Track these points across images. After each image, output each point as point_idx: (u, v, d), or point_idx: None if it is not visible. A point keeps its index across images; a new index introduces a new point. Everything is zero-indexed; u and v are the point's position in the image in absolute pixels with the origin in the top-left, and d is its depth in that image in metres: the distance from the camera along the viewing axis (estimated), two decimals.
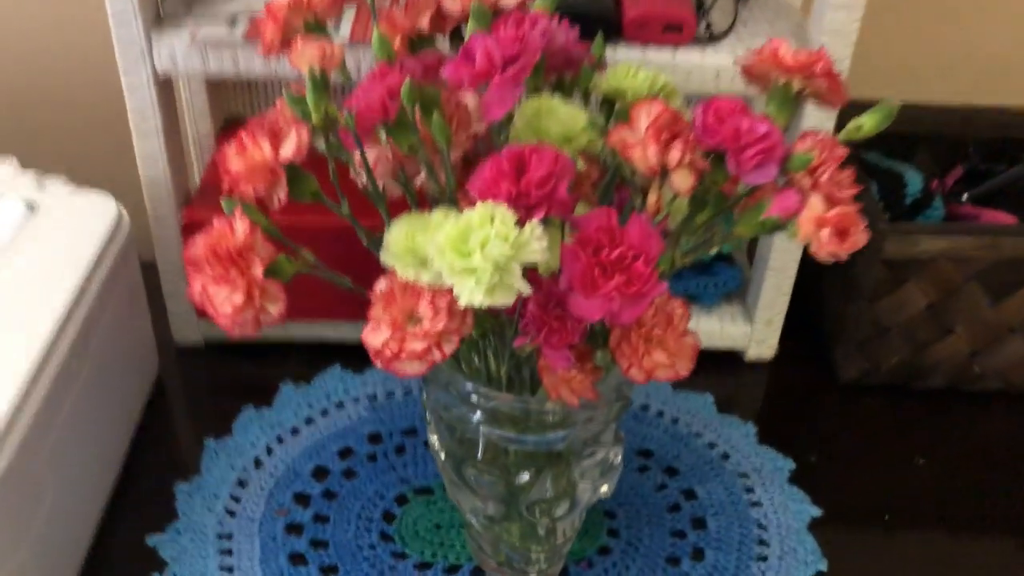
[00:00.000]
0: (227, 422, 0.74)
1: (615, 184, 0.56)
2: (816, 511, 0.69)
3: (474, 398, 0.54)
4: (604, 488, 0.59)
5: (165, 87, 0.68)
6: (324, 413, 0.75)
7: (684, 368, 0.51)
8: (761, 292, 0.79)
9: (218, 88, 0.82)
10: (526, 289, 0.44)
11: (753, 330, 0.81)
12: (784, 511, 0.69)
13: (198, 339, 0.80)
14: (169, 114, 0.70)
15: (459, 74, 0.48)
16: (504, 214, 0.44)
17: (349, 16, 0.69)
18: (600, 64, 0.60)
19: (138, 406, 0.74)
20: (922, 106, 0.90)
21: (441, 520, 0.67)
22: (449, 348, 0.47)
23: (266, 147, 0.48)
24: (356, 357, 0.78)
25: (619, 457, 0.59)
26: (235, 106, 0.85)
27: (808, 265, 0.83)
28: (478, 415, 0.54)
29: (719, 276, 0.81)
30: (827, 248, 0.44)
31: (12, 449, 0.52)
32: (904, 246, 0.71)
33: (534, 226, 0.44)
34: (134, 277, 0.71)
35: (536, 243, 0.44)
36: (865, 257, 0.73)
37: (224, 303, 0.45)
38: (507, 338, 0.51)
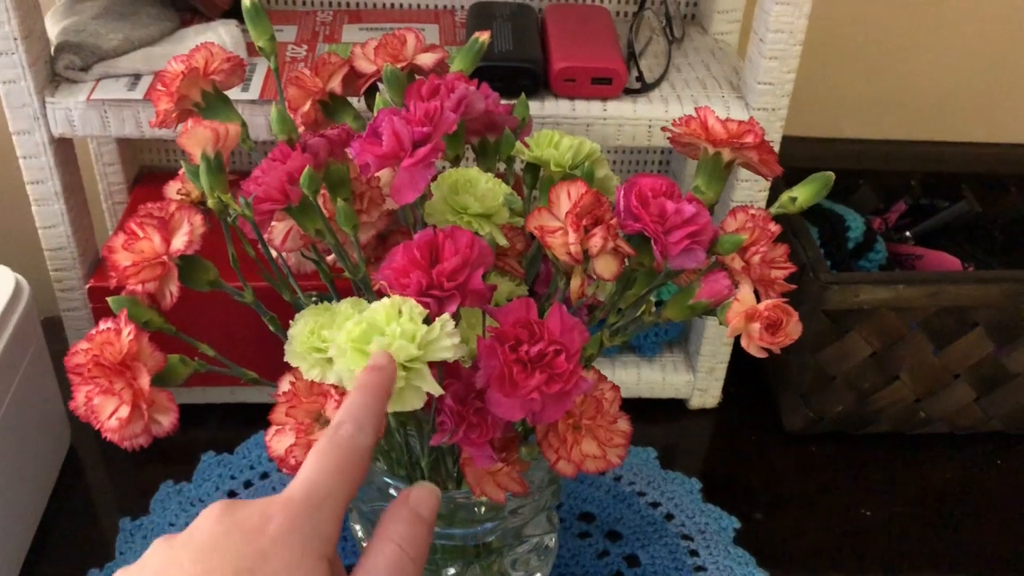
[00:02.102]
0: (145, 496, 0.70)
1: (541, 255, 0.53)
2: (762, 574, 0.67)
3: (393, 492, 0.50)
4: (538, 575, 0.56)
5: (63, 148, 0.64)
6: (247, 485, 0.71)
7: (616, 457, 0.48)
8: (703, 341, 0.76)
9: (128, 140, 0.78)
10: (437, 391, 0.41)
11: (696, 379, 0.78)
12: (729, 575, 0.67)
13: None
14: (70, 176, 0.65)
15: (366, 156, 0.45)
16: (412, 308, 0.41)
17: (261, 71, 0.65)
18: (524, 126, 0.57)
19: (48, 483, 0.69)
20: (864, 141, 0.89)
21: None
22: None
23: (156, 239, 0.44)
24: None
25: (554, 541, 0.56)
26: (149, 156, 0.81)
27: None
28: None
29: (660, 325, 0.78)
30: (758, 342, 0.41)
31: None
32: (846, 297, 0.69)
33: (445, 321, 0.41)
34: (38, 348, 0.67)
35: (447, 339, 0.41)
36: (807, 308, 0.71)
37: (110, 417, 0.41)
38: (424, 433, 0.47)
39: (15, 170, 0.64)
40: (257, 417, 0.74)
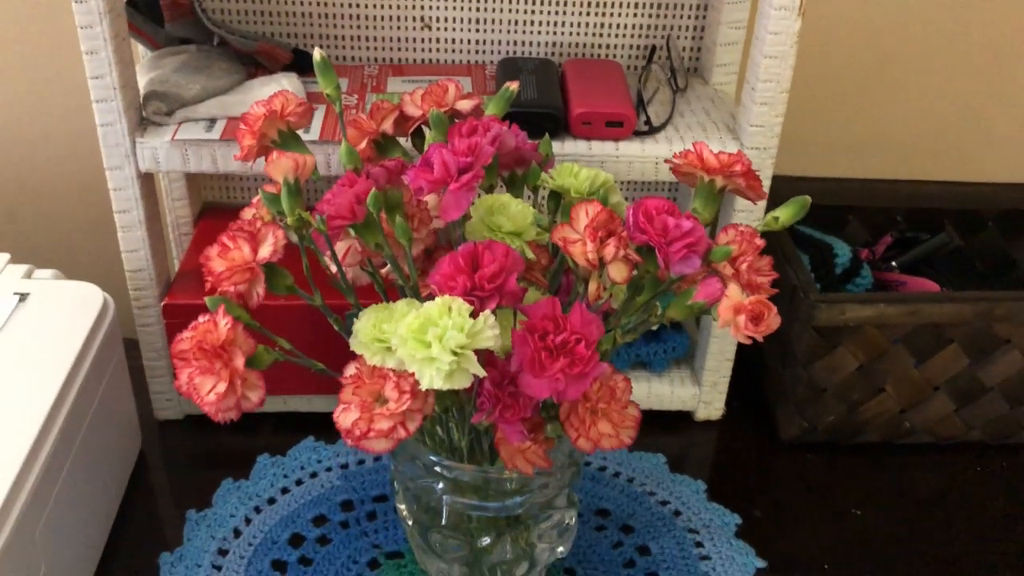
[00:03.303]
0: (207, 494, 0.78)
1: (563, 269, 0.62)
2: (760, 563, 0.74)
3: (438, 469, 0.59)
4: (561, 548, 0.64)
5: (147, 182, 0.74)
6: (299, 483, 0.80)
7: (627, 437, 0.56)
8: (707, 358, 0.85)
9: (195, 177, 0.88)
10: (481, 373, 0.49)
11: (701, 392, 0.87)
12: (731, 564, 0.74)
13: (178, 414, 0.85)
14: (151, 207, 0.75)
15: (419, 181, 0.54)
16: (460, 306, 0.50)
17: (319, 116, 0.75)
18: (548, 161, 0.66)
19: (123, 480, 0.78)
20: (852, 180, 0.98)
21: None
22: (413, 426, 0.52)
23: (246, 249, 0.53)
24: (328, 428, 0.82)
25: (574, 519, 0.64)
26: (211, 193, 0.91)
27: None
28: (441, 485, 0.59)
29: (668, 343, 0.87)
30: (744, 332, 0.50)
31: (11, 526, 0.56)
32: (833, 315, 0.78)
33: (487, 316, 0.50)
34: (119, 360, 0.76)
35: (489, 331, 0.50)
36: (799, 325, 0.80)
37: (209, 392, 0.50)
38: (466, 414, 0.56)
39: (103, 201, 0.74)
40: (306, 425, 0.84)
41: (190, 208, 0.88)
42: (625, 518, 0.78)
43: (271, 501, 0.78)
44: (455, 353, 0.48)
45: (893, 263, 0.93)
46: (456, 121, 0.65)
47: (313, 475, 0.80)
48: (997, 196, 0.98)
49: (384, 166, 0.57)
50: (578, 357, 0.50)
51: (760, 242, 0.55)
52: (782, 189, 0.88)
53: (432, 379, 0.48)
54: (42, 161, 0.96)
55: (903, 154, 1.00)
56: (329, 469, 0.81)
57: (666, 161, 0.59)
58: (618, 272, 0.53)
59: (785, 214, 0.56)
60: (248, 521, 0.76)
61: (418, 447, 0.60)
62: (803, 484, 0.83)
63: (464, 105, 0.65)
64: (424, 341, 0.49)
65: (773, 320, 0.50)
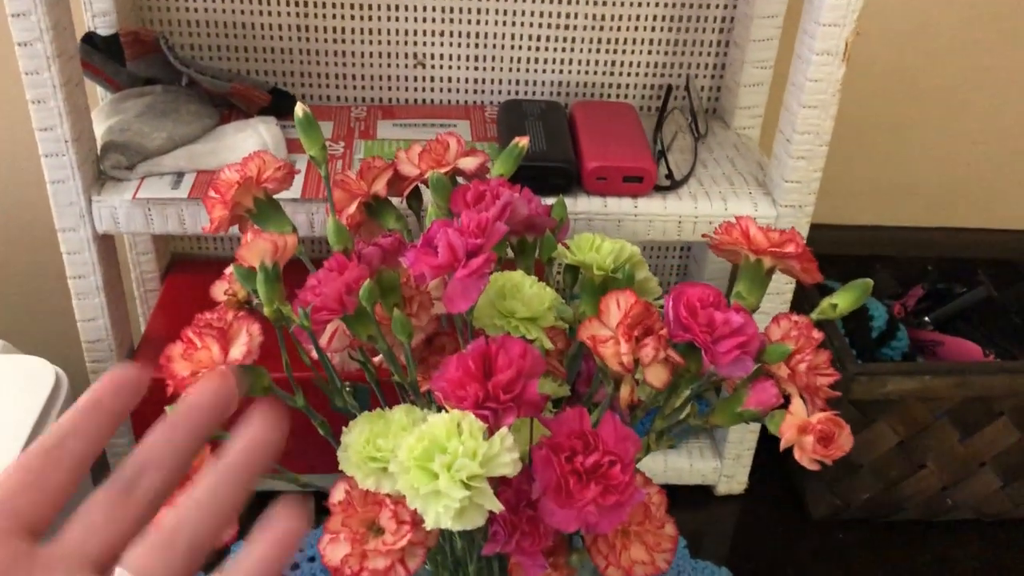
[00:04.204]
0: None
1: (582, 353, 0.54)
2: None
3: None
4: None
5: (105, 244, 0.65)
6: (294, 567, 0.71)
7: (664, 563, 0.48)
8: (729, 428, 0.77)
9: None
10: (498, 508, 0.41)
11: (722, 466, 0.79)
12: None
13: None
14: (110, 271, 0.66)
15: (421, 266, 0.46)
16: (472, 424, 0.41)
17: (302, 166, 0.66)
18: (562, 225, 0.58)
19: None
20: (881, 228, 0.90)
21: None
22: (414, 564, 0.44)
23: (215, 348, 0.45)
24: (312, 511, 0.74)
25: None
26: (181, 244, 0.82)
27: None
28: None
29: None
30: (811, 455, 0.42)
31: None
32: (873, 388, 0.70)
33: (504, 436, 0.42)
34: None
35: (507, 455, 0.41)
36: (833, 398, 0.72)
37: None
38: (476, 540, 0.48)
39: (56, 264, 0.65)
40: None
41: (156, 262, 0.79)
42: None
43: None
44: (467, 485, 0.40)
45: (927, 319, 0.86)
46: (458, 182, 0.57)
47: (295, 567, 0.72)
48: None
49: (379, 244, 0.49)
50: (613, 484, 0.42)
51: (818, 335, 0.48)
52: (809, 238, 0.80)
53: (439, 517, 0.40)
54: None
55: (934, 201, 0.93)
56: (312, 559, 0.72)
57: (704, 236, 0.51)
58: (656, 377, 0.45)
59: (845, 301, 0.49)
60: None
61: (417, 571, 0.51)
62: (835, 566, 0.75)
63: (468, 164, 0.57)
64: (430, 471, 0.40)
65: (845, 440, 0.42)
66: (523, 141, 0.58)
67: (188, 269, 0.80)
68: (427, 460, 0.40)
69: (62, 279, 0.65)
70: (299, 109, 0.53)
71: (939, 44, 0.86)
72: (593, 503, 0.42)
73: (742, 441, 0.77)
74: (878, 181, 0.92)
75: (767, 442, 0.80)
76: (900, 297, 0.89)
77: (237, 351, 0.45)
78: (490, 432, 0.42)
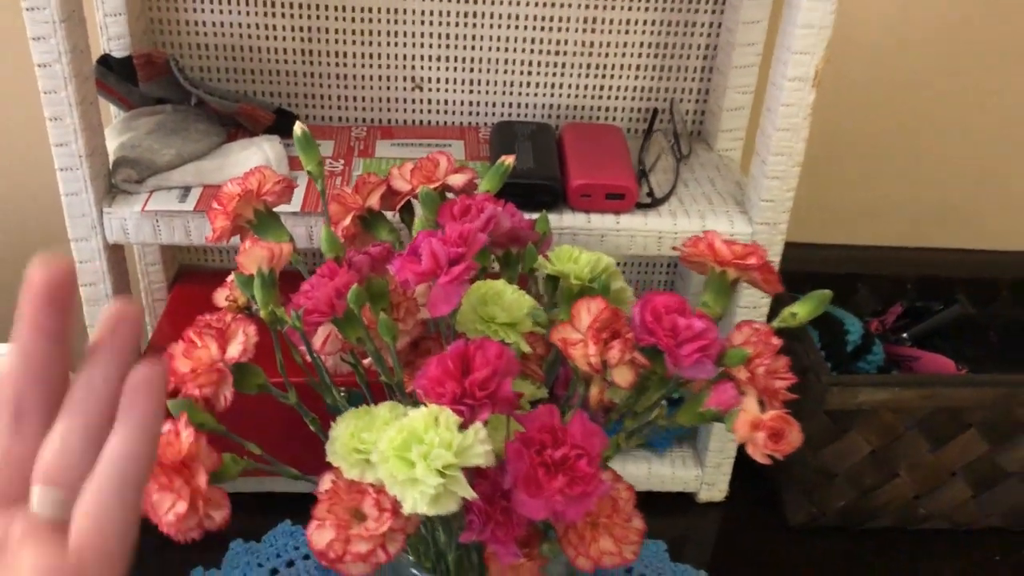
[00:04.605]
0: None
1: (561, 359, 0.57)
2: None
3: None
4: None
5: (115, 253, 0.69)
6: (274, 572, 0.74)
7: (631, 554, 0.51)
8: (711, 437, 0.80)
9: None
10: (471, 495, 0.44)
11: (704, 473, 0.82)
12: None
13: None
14: (119, 280, 0.70)
15: (406, 272, 0.50)
16: (448, 418, 0.45)
17: (302, 183, 0.70)
18: (545, 239, 0.62)
19: None
20: (861, 247, 0.93)
21: None
22: (394, 548, 0.47)
23: (213, 347, 0.48)
24: (306, 510, 0.78)
25: None
26: (187, 256, 0.86)
27: None
28: None
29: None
30: (763, 449, 0.45)
31: None
32: (846, 398, 0.73)
33: (478, 429, 0.45)
34: None
35: (480, 447, 0.45)
36: (809, 408, 0.75)
37: (168, 512, 0.45)
38: (453, 529, 0.51)
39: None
40: (285, 506, 0.79)
41: (164, 273, 0.83)
42: None
43: None
44: (442, 473, 0.43)
45: (904, 335, 0.89)
46: (447, 197, 0.61)
47: (290, 564, 0.75)
48: (1012, 264, 0.93)
49: (368, 253, 0.53)
50: (579, 475, 0.45)
51: (777, 342, 0.51)
52: (789, 256, 0.84)
53: (416, 503, 0.43)
54: (7, 233, 0.91)
55: (914, 221, 0.96)
56: (307, 557, 0.76)
57: (674, 248, 0.55)
58: (623, 377, 0.48)
59: (804, 310, 0.52)
60: None
61: (399, 558, 0.54)
62: (811, 572, 0.78)
63: (456, 180, 0.61)
64: (407, 460, 0.44)
65: (795, 437, 0.45)
66: (509, 160, 0.61)
67: (194, 280, 0.84)
68: (405, 450, 0.44)
69: None
70: (298, 128, 0.56)
71: (915, 67, 0.90)
72: (560, 493, 0.45)
73: (723, 450, 0.80)
74: (859, 201, 0.95)
75: (743, 450, 0.83)
76: (880, 314, 0.92)
77: (234, 349, 0.48)
78: (465, 426, 0.45)
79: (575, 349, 0.48)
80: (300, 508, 0.76)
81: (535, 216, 0.61)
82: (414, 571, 0.54)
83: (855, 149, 0.93)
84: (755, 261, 0.51)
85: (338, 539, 0.47)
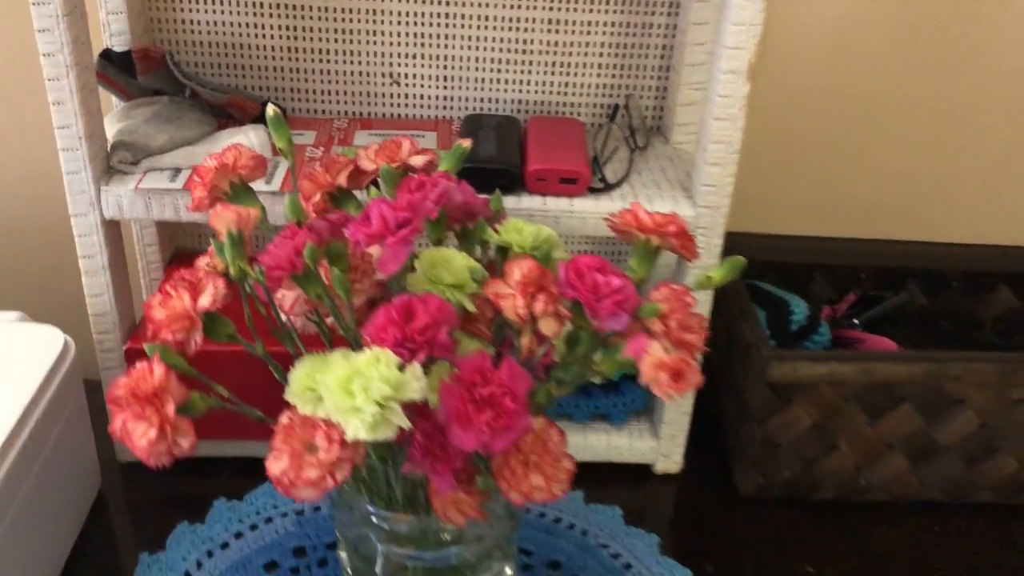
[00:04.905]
0: (162, 536, 0.79)
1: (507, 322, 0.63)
2: None
3: (374, 519, 0.60)
4: None
5: (112, 228, 0.76)
6: (253, 528, 0.80)
7: (559, 490, 0.57)
8: (665, 411, 0.85)
9: (166, 224, 0.90)
10: (406, 424, 0.50)
11: (659, 445, 0.87)
12: None
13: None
14: (115, 253, 0.77)
15: (358, 234, 0.56)
16: (388, 357, 0.51)
17: (283, 167, 0.77)
18: (499, 216, 0.68)
19: (80, 518, 0.78)
20: (818, 239, 0.99)
21: None
22: (341, 476, 0.52)
23: (186, 298, 0.55)
24: None
25: (510, 572, 0.64)
26: (183, 240, 0.93)
27: (710, 387, 0.90)
28: (378, 534, 0.60)
29: (627, 395, 0.88)
30: (665, 389, 0.51)
31: None
32: (786, 371, 0.78)
33: (414, 368, 0.51)
34: (77, 401, 0.77)
35: (415, 383, 0.51)
36: (753, 382, 0.80)
37: (141, 438, 0.51)
38: (399, 464, 0.57)
39: (68, 246, 0.76)
40: (264, 469, 0.84)
41: (160, 254, 0.89)
42: (576, 570, 0.78)
43: (224, 546, 0.78)
44: (380, 404, 0.49)
45: (855, 320, 0.94)
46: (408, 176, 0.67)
47: (268, 520, 0.81)
48: (961, 257, 0.99)
49: (327, 219, 0.59)
50: (504, 410, 0.51)
51: (691, 300, 0.57)
52: (751, 246, 0.90)
53: (357, 429, 0.49)
54: (11, 207, 0.98)
55: (869, 214, 1.02)
56: (285, 515, 0.81)
57: (604, 219, 0.61)
58: (548, 327, 0.54)
59: (719, 274, 0.58)
60: (199, 565, 0.76)
61: (355, 497, 0.60)
62: (758, 540, 0.83)
63: (417, 160, 0.67)
64: (350, 392, 0.50)
65: (694, 377, 0.51)
66: (466, 143, 0.68)
67: (188, 261, 0.90)
68: (348, 383, 0.50)
69: (74, 259, 0.76)
70: (270, 109, 0.63)
71: (868, 64, 0.95)
72: (487, 425, 0.51)
73: (676, 423, 0.85)
74: (818, 195, 1.01)
75: (703, 426, 0.89)
76: (835, 303, 0.97)
77: (204, 300, 0.55)
78: (404, 366, 0.51)
79: (505, 301, 0.54)
80: None
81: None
82: (368, 507, 0.59)
83: (814, 145, 0.99)
84: (673, 229, 0.57)
85: (291, 467, 0.52)
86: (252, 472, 0.84)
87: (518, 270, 0.55)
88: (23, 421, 0.67)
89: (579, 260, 0.55)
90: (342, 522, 0.62)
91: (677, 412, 0.85)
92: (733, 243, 0.93)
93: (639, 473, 0.89)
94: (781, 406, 0.80)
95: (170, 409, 0.51)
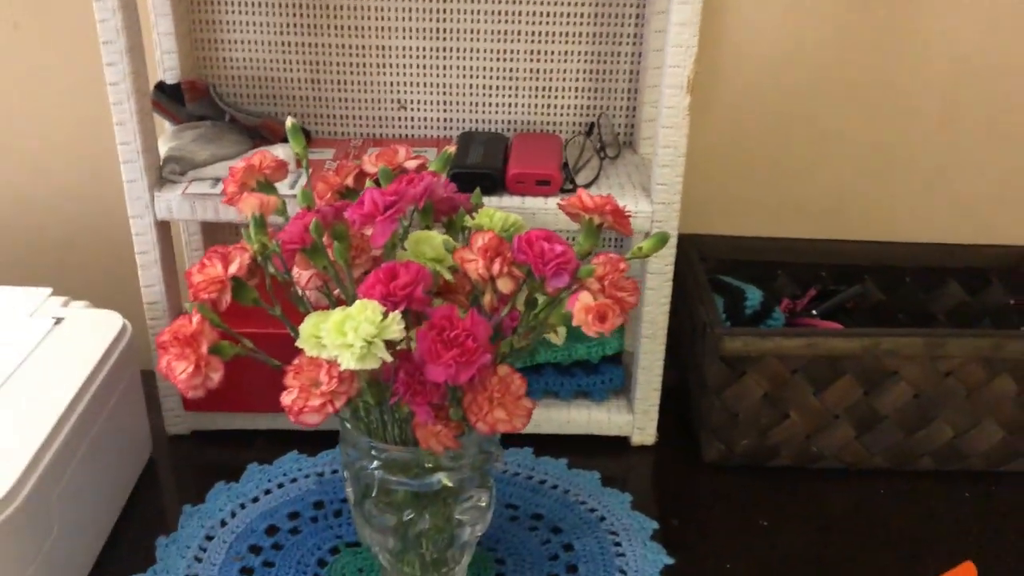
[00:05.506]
0: (203, 493, 0.92)
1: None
2: (669, 560, 0.85)
3: (372, 451, 0.72)
4: (478, 527, 0.76)
5: (163, 229, 0.91)
6: (280, 486, 0.93)
7: (520, 423, 0.69)
8: (638, 387, 0.97)
9: (208, 226, 1.05)
10: (388, 358, 0.63)
11: (635, 419, 0.99)
12: (643, 560, 0.85)
13: (186, 429, 1.00)
14: (166, 250, 0.92)
15: (354, 215, 0.70)
16: (374, 306, 0.64)
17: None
18: (478, 208, 0.81)
19: (133, 477, 0.92)
20: (781, 239, 1.11)
21: (364, 566, 0.84)
22: (339, 403, 0.66)
23: (219, 266, 0.69)
24: (311, 443, 0.98)
25: (486, 500, 0.76)
26: (224, 240, 1.08)
27: (678, 365, 1.02)
28: (375, 464, 0.73)
29: (606, 375, 1.00)
30: (593, 328, 0.63)
31: (31, 485, 0.71)
32: (736, 346, 0.90)
33: (395, 315, 0.64)
34: (132, 375, 0.91)
35: (396, 326, 0.64)
36: (709, 357, 0.92)
37: (181, 372, 0.65)
38: (386, 399, 0.70)
39: (127, 243, 0.91)
40: (293, 440, 0.98)
41: (204, 251, 1.04)
42: (556, 521, 0.90)
43: (255, 500, 0.91)
44: (367, 341, 0.63)
45: (814, 311, 1.05)
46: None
47: (293, 480, 0.94)
48: (912, 254, 1.10)
49: (332, 205, 0.73)
50: (466, 348, 0.64)
51: (624, 266, 0.69)
52: (720, 247, 1.02)
53: (348, 360, 0.63)
54: (80, 210, 1.14)
55: (829, 215, 1.13)
56: (307, 476, 0.95)
57: (557, 204, 0.74)
58: (504, 285, 0.67)
59: (647, 246, 0.70)
60: (233, 515, 0.90)
61: (357, 434, 0.73)
62: (719, 500, 0.94)
63: (411, 163, 0.81)
64: (343, 331, 0.63)
65: (616, 319, 0.63)
66: (451, 148, 0.82)
67: None
68: (342, 325, 0.63)
69: (132, 254, 0.91)
70: (289, 121, 0.78)
71: (815, 70, 1.05)
72: (453, 360, 0.64)
73: (647, 398, 0.97)
74: (779, 199, 1.12)
75: (676, 402, 1.00)
76: (798, 298, 1.08)
77: (233, 267, 0.69)
78: (387, 314, 0.65)
79: (469, 265, 0.67)
80: (307, 442, 0.96)
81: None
82: (368, 441, 0.72)
83: (770, 150, 1.10)
84: (610, 208, 0.70)
85: (300, 397, 0.66)
86: (282, 442, 0.98)
87: (480, 239, 0.68)
88: (84, 390, 0.82)
89: (530, 232, 0.68)
90: (347, 456, 0.75)
91: (647, 388, 0.97)
92: (704, 244, 1.06)
93: (618, 445, 1.01)
94: (735, 378, 0.92)
95: (204, 349, 0.65)
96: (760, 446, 0.95)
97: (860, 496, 0.95)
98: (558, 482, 0.95)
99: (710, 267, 1.06)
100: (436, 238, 0.74)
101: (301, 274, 0.75)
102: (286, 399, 0.66)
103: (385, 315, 0.64)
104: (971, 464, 0.96)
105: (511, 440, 0.99)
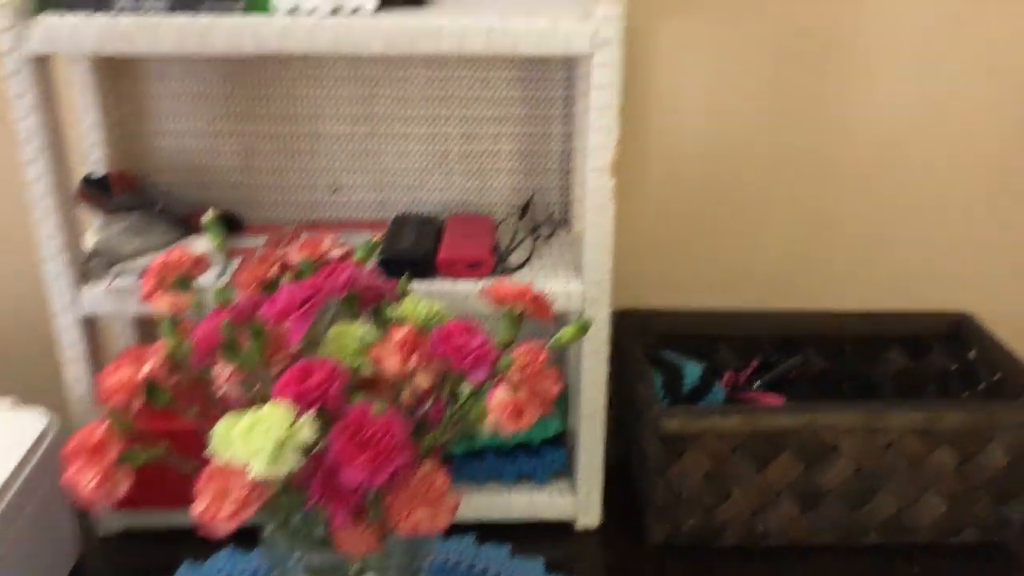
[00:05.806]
0: None
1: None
2: None
3: (295, 555, 0.70)
4: None
5: (89, 324, 0.89)
6: None
7: (444, 521, 0.67)
8: (580, 469, 0.95)
9: (143, 322, 1.03)
10: (297, 462, 0.62)
11: (577, 501, 0.97)
12: None
13: (119, 528, 0.97)
14: (93, 346, 0.90)
15: (268, 312, 0.68)
16: (285, 408, 0.63)
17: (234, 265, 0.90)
18: (405, 296, 0.80)
19: None
20: (722, 312, 1.10)
21: None
22: (250, 512, 0.64)
23: (129, 369, 0.67)
24: (248, 539, 0.95)
25: None
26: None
27: (621, 446, 1.01)
28: (300, 567, 0.70)
29: (547, 457, 0.98)
30: (510, 425, 0.62)
31: None
32: (674, 425, 0.89)
33: (308, 416, 0.63)
34: (55, 474, 0.88)
35: (308, 428, 0.62)
36: (648, 436, 0.91)
37: (86, 484, 0.62)
38: (302, 500, 0.68)
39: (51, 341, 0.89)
40: (229, 537, 0.95)
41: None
42: None
43: None
44: (277, 445, 0.61)
45: (757, 383, 1.05)
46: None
47: None
48: (851, 324, 1.09)
49: (251, 300, 0.72)
50: (382, 449, 0.62)
51: (544, 357, 0.68)
52: (662, 320, 1.01)
53: (259, 465, 0.61)
54: (10, 309, 1.11)
55: (768, 287, 1.12)
56: (242, 574, 0.92)
57: (480, 294, 0.73)
58: (422, 379, 0.66)
59: (567, 334, 0.69)
60: None
61: (280, 539, 0.71)
62: None
63: (335, 252, 0.80)
64: (253, 435, 0.61)
65: (534, 412, 0.62)
66: (376, 237, 0.81)
67: None
68: (252, 429, 0.61)
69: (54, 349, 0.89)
70: (208, 215, 0.77)
71: (743, 147, 1.05)
72: (367, 462, 0.62)
73: (590, 479, 0.96)
74: (719, 271, 1.11)
75: (621, 482, 0.99)
76: (741, 370, 1.08)
77: (145, 369, 0.67)
78: (300, 415, 0.63)
79: (386, 361, 0.66)
80: (243, 537, 0.93)
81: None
82: (289, 546, 0.70)
83: (711, 226, 1.09)
84: (529, 296, 0.69)
85: (212, 506, 0.64)
86: (217, 540, 0.95)
87: (398, 334, 0.67)
88: (1, 494, 0.79)
89: (449, 325, 0.67)
90: (272, 559, 0.72)
91: (589, 469, 0.95)
92: (645, 320, 1.06)
93: (562, 530, 0.99)
94: (675, 457, 0.91)
95: (111, 459, 0.63)
96: (706, 526, 0.94)
97: (809, 574, 0.93)
98: (500, 570, 0.92)
99: (652, 342, 1.05)
100: (356, 330, 0.73)
101: (222, 371, 0.74)
102: (197, 508, 0.64)
103: (297, 417, 0.63)
104: (918, 537, 0.95)
105: (452, 527, 0.96)
